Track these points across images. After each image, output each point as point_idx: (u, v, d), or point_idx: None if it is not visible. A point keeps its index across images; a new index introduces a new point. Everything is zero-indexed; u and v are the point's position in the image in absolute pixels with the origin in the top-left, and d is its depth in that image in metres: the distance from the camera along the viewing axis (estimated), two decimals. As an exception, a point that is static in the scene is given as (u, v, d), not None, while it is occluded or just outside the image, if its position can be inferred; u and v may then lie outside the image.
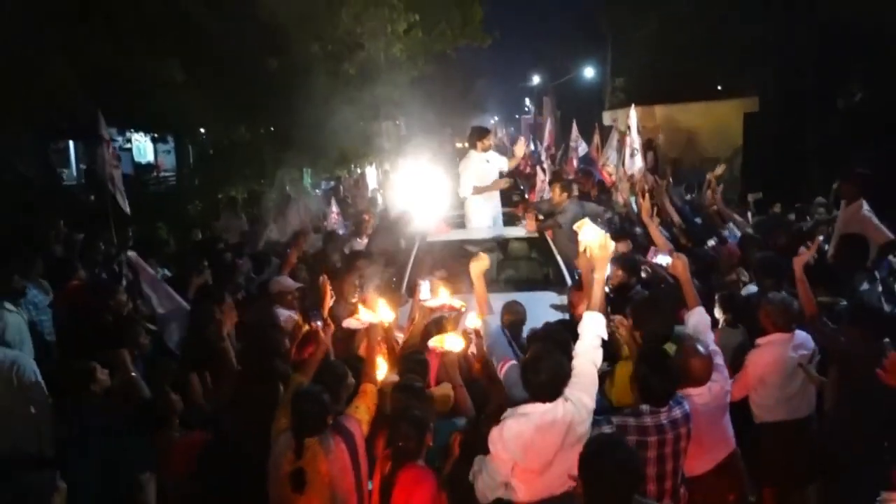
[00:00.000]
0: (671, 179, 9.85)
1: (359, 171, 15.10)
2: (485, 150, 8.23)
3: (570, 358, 3.42)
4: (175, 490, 3.82)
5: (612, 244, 3.75)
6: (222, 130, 11.36)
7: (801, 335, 4.38)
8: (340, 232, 9.55)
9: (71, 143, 19.64)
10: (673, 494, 3.45)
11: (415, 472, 3.31)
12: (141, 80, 9.15)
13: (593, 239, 3.74)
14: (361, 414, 3.55)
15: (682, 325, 4.28)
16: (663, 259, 4.40)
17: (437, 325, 4.54)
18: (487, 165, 8.16)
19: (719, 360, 3.89)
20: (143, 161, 23.81)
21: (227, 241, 8.96)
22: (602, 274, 3.67)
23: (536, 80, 37.73)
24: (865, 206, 6.32)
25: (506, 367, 3.64)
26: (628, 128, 10.67)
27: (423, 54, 13.99)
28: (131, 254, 5.77)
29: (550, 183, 9.61)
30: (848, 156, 11.10)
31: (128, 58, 8.74)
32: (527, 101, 42.68)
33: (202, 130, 13.82)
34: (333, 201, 10.78)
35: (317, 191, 14.62)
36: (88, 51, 8.64)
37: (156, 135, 15.92)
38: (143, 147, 24.18)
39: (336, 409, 3.53)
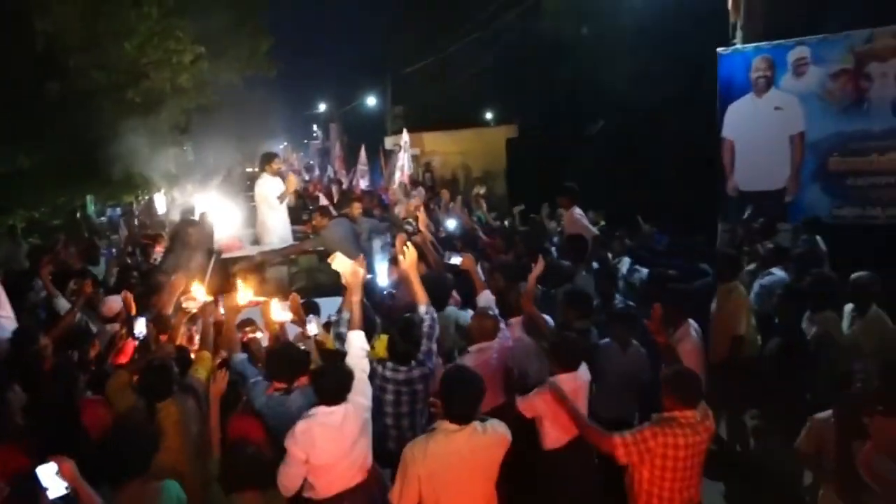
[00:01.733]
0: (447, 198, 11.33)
1: (146, 197, 15.02)
2: (274, 173, 8.92)
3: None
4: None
5: (361, 272, 4.50)
6: (-1, 157, 10.97)
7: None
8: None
9: None
10: (409, 427, 4.50)
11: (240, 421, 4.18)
12: None
13: (344, 268, 4.43)
14: (201, 374, 4.37)
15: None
16: (456, 259, 5.70)
17: (245, 324, 5.37)
18: (277, 187, 8.87)
19: (503, 324, 5.13)
20: None
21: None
22: (357, 297, 4.37)
23: (323, 107, 38.77)
24: (577, 211, 8.07)
25: (255, 382, 4.42)
26: (398, 147, 12.04)
27: (211, 83, 14.32)
28: None
29: (336, 205, 10.59)
30: (595, 173, 13.48)
31: None
32: (315, 127, 43.45)
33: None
34: (123, 226, 10.95)
35: (102, 218, 14.39)
36: None
37: None
38: None
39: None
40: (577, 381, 4.44)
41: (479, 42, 19.02)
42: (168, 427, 3.97)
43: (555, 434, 4.44)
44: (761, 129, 10.11)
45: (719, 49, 10.43)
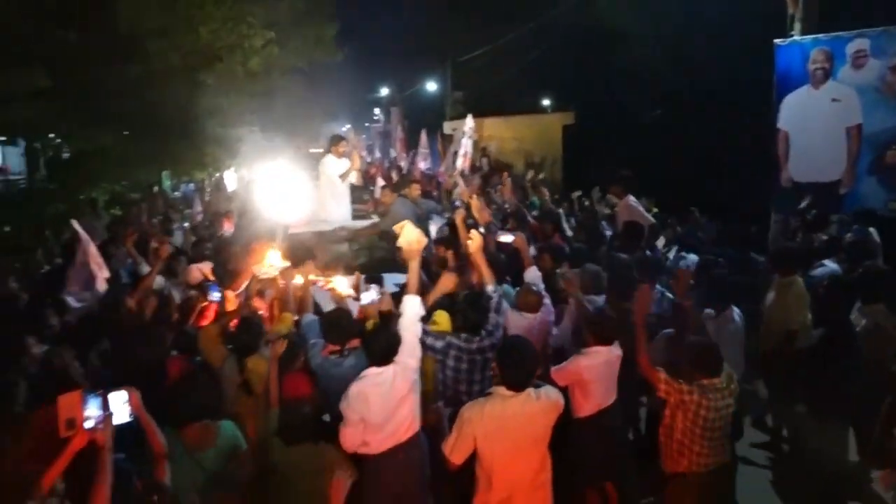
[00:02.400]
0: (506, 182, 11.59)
1: (217, 174, 15.77)
2: (339, 155, 9.29)
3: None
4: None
5: (424, 240, 4.69)
6: (84, 135, 11.72)
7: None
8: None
9: None
10: (479, 392, 4.69)
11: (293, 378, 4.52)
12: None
13: (409, 237, 4.63)
14: (283, 331, 4.82)
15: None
16: (507, 238, 5.97)
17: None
18: (341, 167, 9.29)
19: (547, 300, 5.47)
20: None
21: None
22: (415, 265, 4.55)
23: (385, 91, 39.28)
24: (632, 199, 8.20)
25: (314, 343, 4.81)
26: (462, 132, 12.29)
27: (279, 67, 14.88)
28: (74, 222, 6.24)
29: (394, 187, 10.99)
30: (650, 160, 13.59)
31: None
32: (376, 110, 44.01)
33: (51, 135, 13.93)
34: (197, 201, 11.61)
35: (176, 193, 15.18)
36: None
37: (3, 138, 15.67)
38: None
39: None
40: (610, 354, 4.79)
41: (538, 29, 19.19)
42: (253, 380, 4.42)
43: (585, 403, 4.73)
44: (817, 120, 10.04)
45: (777, 40, 10.38)
